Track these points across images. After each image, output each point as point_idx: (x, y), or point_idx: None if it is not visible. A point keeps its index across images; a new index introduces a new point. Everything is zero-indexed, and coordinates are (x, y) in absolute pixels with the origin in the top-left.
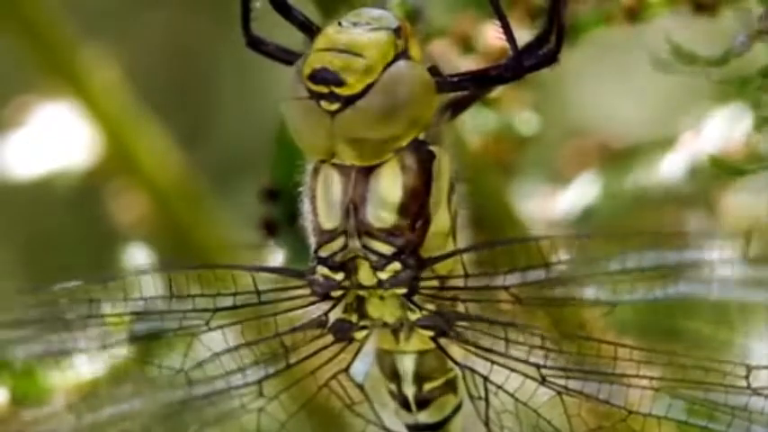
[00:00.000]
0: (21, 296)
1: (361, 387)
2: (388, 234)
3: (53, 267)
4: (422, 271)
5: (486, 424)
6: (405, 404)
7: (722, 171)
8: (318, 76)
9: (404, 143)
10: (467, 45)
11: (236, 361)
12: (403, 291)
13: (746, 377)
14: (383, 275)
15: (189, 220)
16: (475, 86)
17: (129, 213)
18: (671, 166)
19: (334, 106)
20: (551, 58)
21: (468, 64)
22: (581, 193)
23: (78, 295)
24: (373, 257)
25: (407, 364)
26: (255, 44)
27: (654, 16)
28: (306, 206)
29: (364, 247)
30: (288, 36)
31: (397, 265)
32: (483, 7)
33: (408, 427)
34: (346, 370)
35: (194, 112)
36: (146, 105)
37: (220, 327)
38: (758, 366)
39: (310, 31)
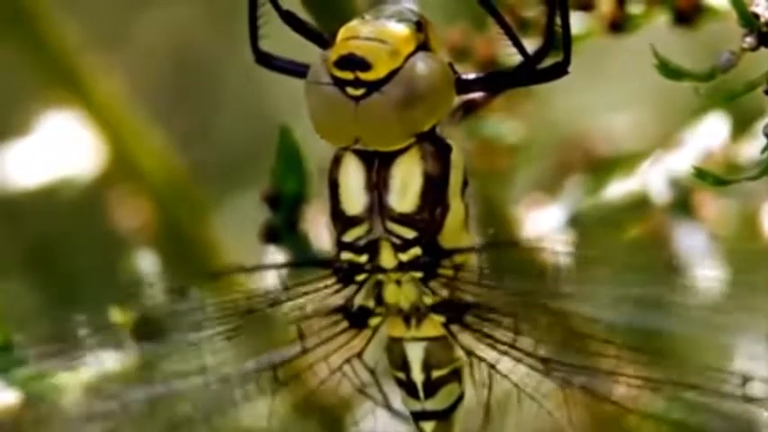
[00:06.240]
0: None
1: (372, 372)
2: (409, 219)
3: (58, 273)
4: (440, 257)
5: (487, 412)
6: (412, 392)
7: (705, 181)
8: (345, 61)
9: (425, 128)
10: (460, 56)
11: (252, 347)
12: (420, 274)
13: (743, 386)
14: (404, 257)
15: (192, 226)
16: (487, 88)
17: (133, 219)
18: (655, 174)
19: (360, 91)
20: (561, 71)
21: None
22: (567, 200)
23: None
24: (396, 240)
25: (417, 352)
26: (265, 60)
27: (637, 28)
28: (327, 195)
29: (387, 231)
30: (290, 49)
31: (417, 250)
32: (475, 19)
33: (414, 414)
34: (359, 356)
35: (195, 115)
36: (147, 109)
37: (251, 320)
38: (755, 377)
39: (323, 42)
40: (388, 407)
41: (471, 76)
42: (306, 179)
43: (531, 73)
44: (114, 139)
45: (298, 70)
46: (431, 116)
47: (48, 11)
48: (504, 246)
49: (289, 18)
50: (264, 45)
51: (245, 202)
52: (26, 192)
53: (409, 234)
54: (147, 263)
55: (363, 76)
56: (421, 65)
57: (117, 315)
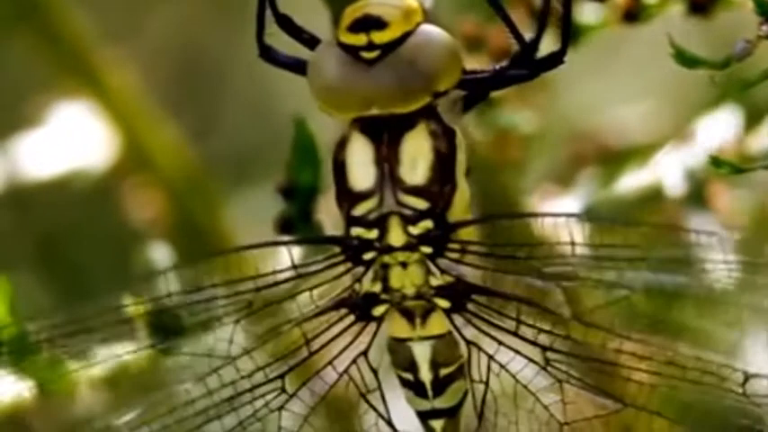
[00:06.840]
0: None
1: (375, 372)
2: (421, 190)
3: (71, 264)
4: (449, 232)
5: (481, 412)
6: (421, 392)
7: (720, 170)
8: (359, 23)
9: (442, 87)
10: (472, 46)
11: (256, 359)
12: (429, 250)
13: (743, 384)
14: (415, 231)
15: (204, 217)
16: (487, 86)
17: (146, 210)
18: (668, 166)
19: (374, 54)
20: (557, 60)
21: (472, 64)
22: (581, 192)
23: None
24: (407, 212)
25: (424, 351)
26: (268, 54)
27: (651, 17)
28: (334, 177)
29: (398, 203)
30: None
31: (428, 223)
32: (489, 10)
33: (422, 413)
34: (365, 353)
35: (206, 106)
36: (158, 101)
37: (262, 308)
38: (756, 375)
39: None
40: (389, 422)
41: (469, 74)
42: (320, 170)
43: (527, 64)
44: (127, 131)
45: (301, 66)
46: (447, 74)
47: (62, 4)
48: (507, 218)
49: (284, 22)
50: (274, 43)
51: (254, 194)
52: (39, 183)
53: (421, 205)
54: (159, 254)
55: (378, 37)
56: (432, 30)
57: (131, 306)
